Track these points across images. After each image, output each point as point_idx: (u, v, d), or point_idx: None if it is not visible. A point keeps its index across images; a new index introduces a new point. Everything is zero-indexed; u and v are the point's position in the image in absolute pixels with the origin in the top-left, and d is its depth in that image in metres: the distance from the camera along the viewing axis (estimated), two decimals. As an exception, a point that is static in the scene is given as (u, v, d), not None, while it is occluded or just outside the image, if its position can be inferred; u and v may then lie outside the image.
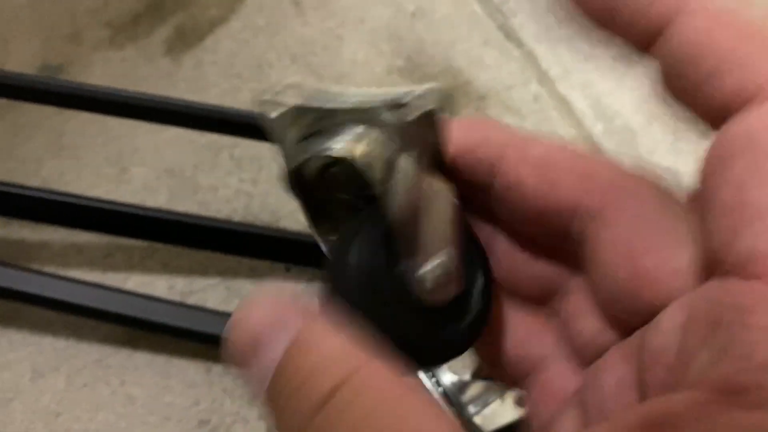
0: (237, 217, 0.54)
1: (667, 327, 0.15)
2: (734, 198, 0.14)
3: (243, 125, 0.43)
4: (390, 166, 0.17)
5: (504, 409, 0.42)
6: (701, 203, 0.15)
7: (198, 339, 0.49)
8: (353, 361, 0.15)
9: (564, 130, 0.55)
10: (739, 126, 0.14)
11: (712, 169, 0.15)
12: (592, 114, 0.55)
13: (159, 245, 0.53)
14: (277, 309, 0.16)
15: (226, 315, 0.49)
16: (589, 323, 0.18)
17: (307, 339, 0.15)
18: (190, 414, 0.49)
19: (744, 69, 0.14)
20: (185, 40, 0.62)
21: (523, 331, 0.20)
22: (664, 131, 0.54)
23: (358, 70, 0.59)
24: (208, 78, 0.60)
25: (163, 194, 0.55)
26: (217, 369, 0.50)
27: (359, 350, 0.15)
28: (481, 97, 0.57)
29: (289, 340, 0.15)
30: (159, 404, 0.50)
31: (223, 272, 0.53)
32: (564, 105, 0.56)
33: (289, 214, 0.54)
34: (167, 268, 0.53)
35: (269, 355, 0.15)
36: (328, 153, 0.17)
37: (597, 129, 0.54)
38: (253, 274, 0.52)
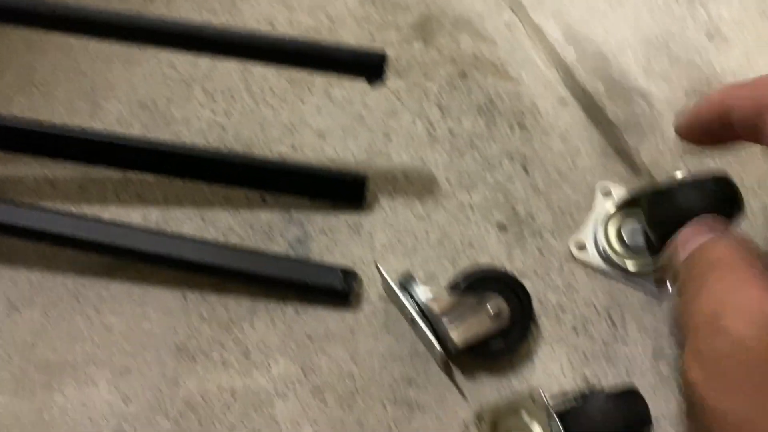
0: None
1: None
2: None
3: (214, 41, 0.43)
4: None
5: (480, 322, 0.43)
6: None
7: (175, 265, 0.48)
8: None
9: (537, 56, 0.55)
10: None
11: None
12: (564, 40, 0.55)
13: (133, 177, 0.53)
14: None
15: (203, 242, 0.49)
16: None
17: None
18: (168, 341, 0.49)
19: None
20: (156, -23, 0.61)
21: None
22: (636, 56, 0.54)
23: (331, 2, 0.58)
24: (180, 12, 0.59)
25: (136, 128, 0.55)
26: (194, 296, 0.50)
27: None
28: (454, 26, 0.57)
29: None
30: (137, 332, 0.50)
31: (198, 202, 0.53)
32: (537, 32, 0.56)
33: (264, 145, 0.54)
34: (142, 199, 0.53)
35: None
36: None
37: (569, 54, 0.54)
38: (228, 204, 0.52)
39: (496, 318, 0.40)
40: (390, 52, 0.55)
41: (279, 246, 0.51)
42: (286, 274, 0.48)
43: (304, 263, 0.49)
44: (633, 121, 0.52)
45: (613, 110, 0.52)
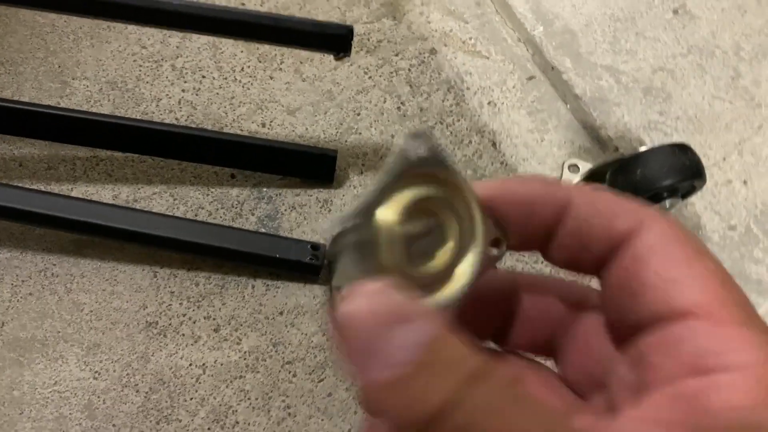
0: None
1: None
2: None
3: (183, 15, 0.43)
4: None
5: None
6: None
7: (145, 241, 0.49)
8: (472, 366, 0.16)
9: (506, 32, 0.56)
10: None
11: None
12: (533, 17, 0.55)
13: (102, 156, 0.53)
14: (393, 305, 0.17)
15: (172, 218, 0.49)
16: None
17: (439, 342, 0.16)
18: (138, 317, 0.49)
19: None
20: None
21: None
22: (603, 32, 0.55)
23: (301, -20, 0.58)
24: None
25: (106, 107, 0.55)
26: (163, 273, 0.50)
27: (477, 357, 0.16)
28: (424, 3, 0.57)
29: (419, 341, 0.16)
30: (107, 309, 0.50)
31: (168, 180, 0.53)
32: (505, 9, 0.56)
33: (233, 122, 0.54)
34: (111, 177, 0.53)
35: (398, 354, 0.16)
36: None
37: (537, 31, 0.55)
38: (198, 182, 0.52)
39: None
40: (360, 29, 0.55)
41: (249, 223, 0.51)
42: (256, 249, 0.48)
43: (274, 238, 0.49)
44: (600, 96, 0.52)
45: (580, 86, 0.53)
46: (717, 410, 0.16)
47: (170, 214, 0.51)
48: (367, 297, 0.16)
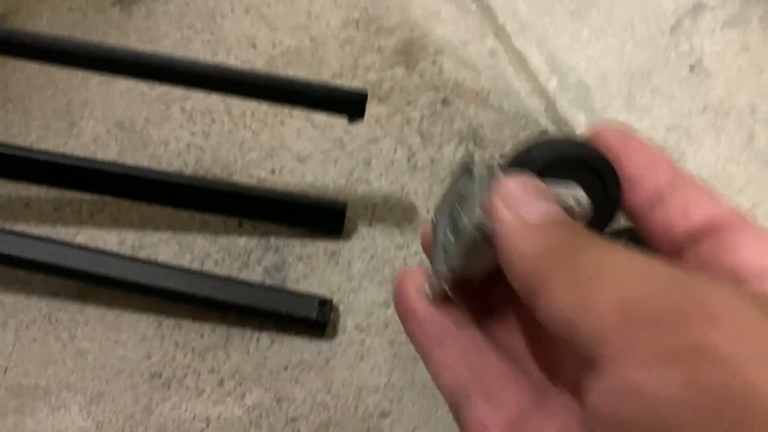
0: (189, 171, 0.53)
1: None
2: None
3: (195, 76, 0.43)
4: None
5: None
6: None
7: (150, 293, 0.48)
8: (583, 231, 0.21)
9: (519, 84, 0.55)
10: None
11: None
12: (547, 69, 0.55)
13: (109, 199, 0.53)
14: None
15: (177, 269, 0.49)
16: None
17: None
18: (142, 367, 0.49)
19: None
20: (136, -10, 0.60)
21: None
22: (618, 87, 0.54)
23: (314, 23, 0.58)
24: (160, 28, 0.58)
25: (113, 148, 0.54)
26: (168, 323, 0.50)
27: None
28: (437, 52, 0.57)
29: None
30: (111, 358, 0.49)
31: (175, 227, 0.52)
32: (520, 60, 0.56)
33: (242, 169, 0.53)
34: (117, 222, 0.52)
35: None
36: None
37: (552, 84, 0.54)
38: (205, 230, 0.52)
39: (575, 213, 0.25)
40: (372, 77, 0.55)
41: (256, 273, 0.51)
42: (262, 303, 0.48)
43: (280, 292, 0.49)
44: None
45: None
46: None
47: (176, 263, 0.50)
48: (522, 179, 0.23)
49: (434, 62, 0.56)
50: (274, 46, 0.57)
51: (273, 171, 0.53)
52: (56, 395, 0.49)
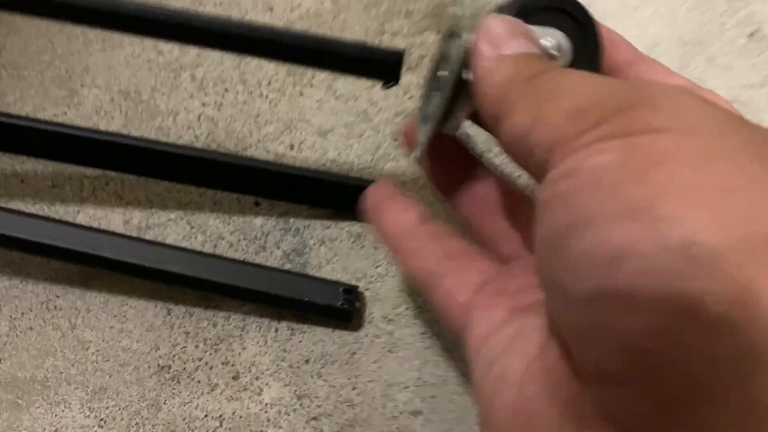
0: (200, 145, 0.49)
1: None
2: None
3: (211, 32, 0.38)
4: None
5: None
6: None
7: (157, 277, 0.44)
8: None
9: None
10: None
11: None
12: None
13: (113, 175, 0.48)
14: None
15: (187, 251, 0.44)
16: None
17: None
18: (149, 360, 0.45)
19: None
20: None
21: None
22: (670, 56, 0.50)
23: (336, -16, 0.53)
24: (168, -10, 0.53)
25: (117, 119, 0.50)
26: (177, 311, 0.45)
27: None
28: (473, 15, 0.52)
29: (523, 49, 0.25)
30: (114, 349, 0.45)
31: (185, 205, 0.48)
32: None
33: (258, 143, 0.49)
34: (122, 200, 0.48)
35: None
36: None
37: (598, 52, 0.50)
38: (218, 208, 0.47)
39: (555, 57, 0.28)
40: (399, 43, 0.50)
41: (274, 257, 0.46)
42: (281, 290, 0.43)
43: (301, 278, 0.44)
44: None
45: (643, 116, 0.48)
46: None
47: (186, 246, 0.46)
48: (505, 18, 0.26)
49: (466, 13, 0.51)
50: (292, 9, 0.52)
51: (291, 146, 0.49)
52: (55, 389, 0.44)
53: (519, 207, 0.31)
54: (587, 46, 0.28)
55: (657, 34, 0.50)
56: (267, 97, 0.50)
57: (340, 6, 0.52)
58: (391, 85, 0.38)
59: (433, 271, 0.29)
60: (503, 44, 0.24)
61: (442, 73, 0.29)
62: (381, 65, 0.37)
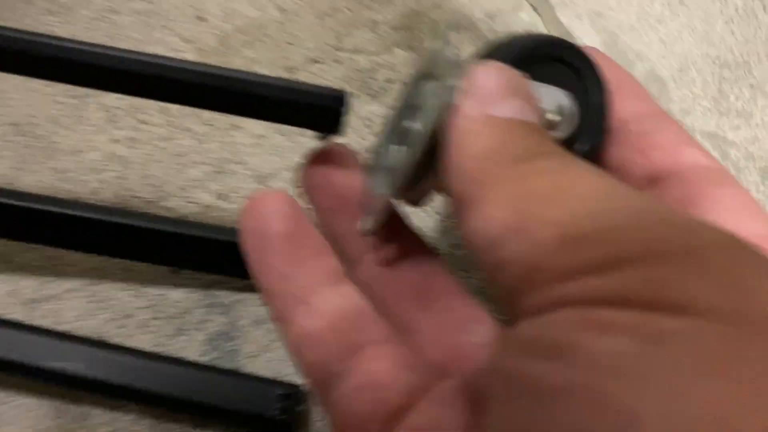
0: (108, 193, 0.39)
1: None
2: None
3: (82, 69, 0.28)
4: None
5: None
6: None
7: (43, 377, 0.34)
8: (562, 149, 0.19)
9: (566, 77, 0.40)
10: None
11: None
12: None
13: (-4, 233, 0.38)
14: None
15: (76, 340, 0.34)
16: None
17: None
18: (33, 477, 0.35)
19: None
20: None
21: None
22: (704, 83, 0.39)
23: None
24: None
25: (7, 159, 0.40)
26: (73, 411, 0.35)
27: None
28: (453, 28, 0.41)
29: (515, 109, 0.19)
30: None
31: (87, 272, 0.38)
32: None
33: (180, 191, 0.38)
34: (10, 265, 0.38)
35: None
36: None
37: (612, 77, 0.39)
38: (128, 276, 0.37)
39: (556, 123, 0.22)
40: (362, 63, 0.39)
41: (195, 342, 0.36)
42: (196, 394, 0.33)
43: (223, 376, 0.34)
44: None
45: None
46: None
47: (80, 328, 0.36)
48: (501, 68, 0.20)
49: (448, 43, 0.41)
50: (228, 19, 0.41)
51: (222, 195, 0.38)
52: None
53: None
54: (590, 107, 0.23)
55: (687, 54, 0.39)
56: (193, 131, 0.39)
57: (289, 15, 0.41)
58: (330, 136, 0.28)
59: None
60: (493, 103, 0.19)
61: (412, 124, 0.23)
62: (314, 111, 0.27)
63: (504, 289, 0.16)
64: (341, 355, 0.23)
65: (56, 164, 0.39)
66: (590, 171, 0.17)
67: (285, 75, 0.40)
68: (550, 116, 0.21)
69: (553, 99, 0.22)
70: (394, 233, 0.26)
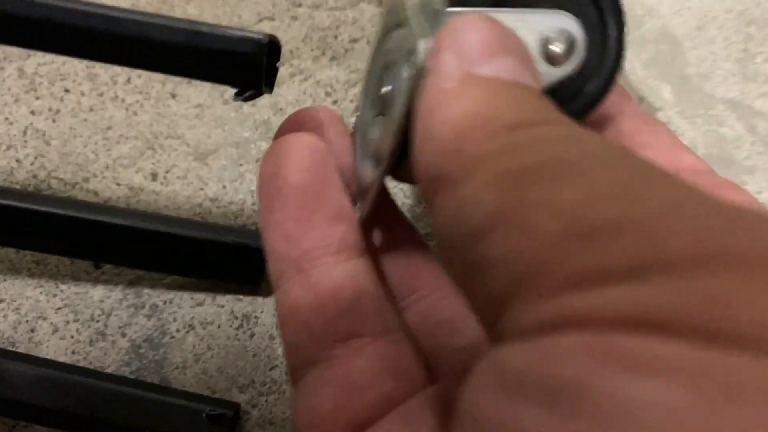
0: (23, 173, 0.33)
1: None
2: None
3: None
4: None
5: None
6: None
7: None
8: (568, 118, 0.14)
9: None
10: None
11: None
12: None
13: None
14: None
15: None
16: None
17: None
18: None
19: None
20: None
21: None
22: (726, 41, 0.33)
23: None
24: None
25: None
26: (-34, 435, 0.30)
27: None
28: None
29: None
30: None
31: (-7, 266, 0.32)
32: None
33: (105, 170, 0.33)
34: None
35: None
36: None
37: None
38: (40, 272, 0.32)
39: (560, 57, 0.18)
40: (323, 19, 0.34)
41: (117, 349, 0.30)
42: (118, 415, 0.28)
43: (149, 393, 0.28)
44: (720, 153, 0.31)
45: (688, 134, 0.31)
46: None
47: (-19, 334, 0.30)
48: (486, 20, 0.16)
49: None
50: (167, -29, 0.35)
51: (154, 175, 0.33)
52: None
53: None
54: (606, 39, 0.19)
55: (706, 8, 0.33)
56: (123, 101, 0.34)
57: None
58: (251, 96, 0.22)
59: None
60: (479, 60, 0.15)
61: (388, 89, 0.19)
62: (229, 60, 0.21)
63: (485, 298, 0.12)
64: (324, 341, 0.19)
65: (-35, 139, 0.34)
66: (606, 142, 0.13)
67: (232, 35, 0.34)
68: (554, 47, 0.17)
69: (555, 24, 0.17)
70: (385, 219, 0.22)
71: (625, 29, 0.19)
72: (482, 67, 0.15)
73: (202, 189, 0.32)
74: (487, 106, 0.14)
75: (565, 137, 0.13)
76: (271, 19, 0.34)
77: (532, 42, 0.17)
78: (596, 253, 0.11)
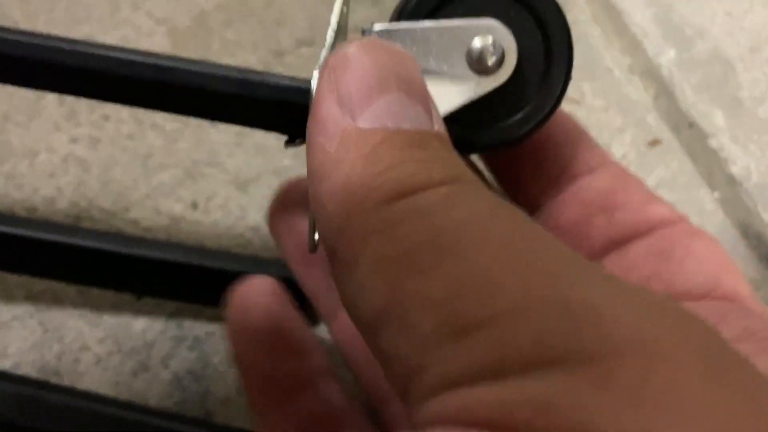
0: (65, 202, 0.33)
1: None
2: None
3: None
4: None
5: (457, 79, 0.22)
6: None
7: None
8: (457, 169, 0.13)
9: (610, 57, 0.33)
10: None
11: None
12: (658, 33, 0.32)
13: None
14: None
15: (18, 384, 0.29)
16: None
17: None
18: None
19: None
20: None
21: None
22: (781, 62, 0.32)
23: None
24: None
25: (-48, 161, 0.34)
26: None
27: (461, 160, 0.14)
28: None
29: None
30: None
31: (37, 297, 0.32)
32: (613, 16, 0.33)
33: (145, 199, 0.33)
34: (-51, 286, 0.33)
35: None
36: None
37: (666, 57, 0.32)
38: (83, 303, 0.32)
39: (489, 66, 0.17)
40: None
41: (160, 381, 0.30)
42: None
43: (191, 427, 0.28)
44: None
45: (741, 160, 0.30)
46: None
47: (24, 370, 0.30)
48: (374, 44, 0.15)
49: None
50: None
51: (194, 204, 0.32)
52: None
53: None
54: (553, 55, 0.18)
55: (759, 29, 0.32)
56: (163, 129, 0.34)
57: (277, -11, 0.35)
58: (301, 143, 0.21)
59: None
60: (358, 107, 0.14)
61: None
62: (277, 110, 0.20)
63: (390, 380, 0.12)
64: None
65: (7, 169, 0.34)
66: (499, 209, 0.12)
67: (271, 59, 0.34)
68: (483, 55, 0.17)
69: (484, 33, 0.17)
70: None
71: (571, 47, 0.18)
72: (362, 117, 0.14)
73: (242, 218, 0.32)
74: (367, 174, 0.13)
75: (445, 203, 0.12)
76: (310, 45, 0.34)
77: (458, 52, 0.17)
78: (463, 352, 0.11)
